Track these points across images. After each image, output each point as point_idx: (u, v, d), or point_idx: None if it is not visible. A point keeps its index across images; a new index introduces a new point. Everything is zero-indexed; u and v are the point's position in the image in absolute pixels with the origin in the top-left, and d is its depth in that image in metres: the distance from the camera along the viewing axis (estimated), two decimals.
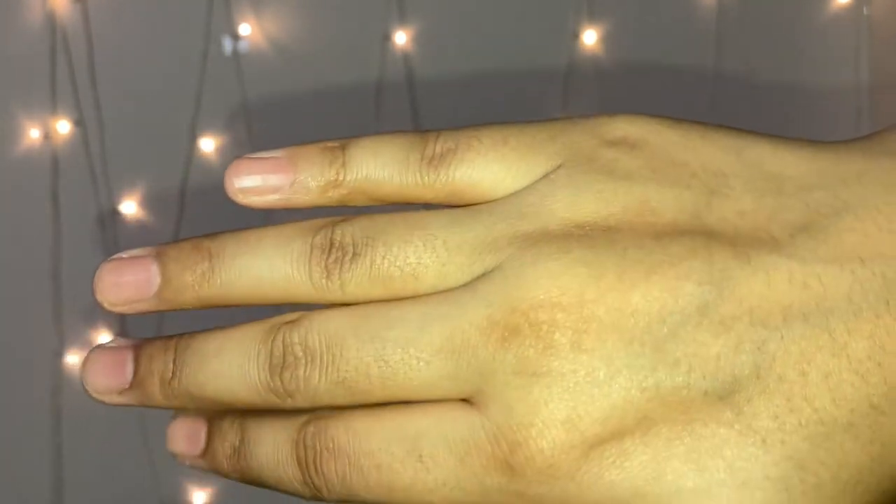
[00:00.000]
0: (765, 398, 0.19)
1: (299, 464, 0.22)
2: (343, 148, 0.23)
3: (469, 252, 0.21)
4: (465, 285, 0.20)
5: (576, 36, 1.13)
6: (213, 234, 0.23)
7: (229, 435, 0.23)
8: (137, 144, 1.08)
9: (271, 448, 0.22)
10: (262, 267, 0.23)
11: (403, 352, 0.20)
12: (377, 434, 0.21)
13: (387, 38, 1.09)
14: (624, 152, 0.21)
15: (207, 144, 1.08)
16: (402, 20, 1.09)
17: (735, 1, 1.17)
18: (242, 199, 0.23)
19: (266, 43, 1.08)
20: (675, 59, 1.19)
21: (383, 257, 0.21)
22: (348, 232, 0.22)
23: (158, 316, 1.09)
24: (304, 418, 0.22)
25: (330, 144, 0.23)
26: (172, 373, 0.24)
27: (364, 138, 0.23)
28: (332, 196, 0.23)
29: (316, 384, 0.21)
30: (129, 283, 0.24)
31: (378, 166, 0.22)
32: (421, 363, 0.20)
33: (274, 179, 0.24)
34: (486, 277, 0.20)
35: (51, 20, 1.04)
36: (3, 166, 1.05)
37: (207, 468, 0.24)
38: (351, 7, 1.10)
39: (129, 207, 1.08)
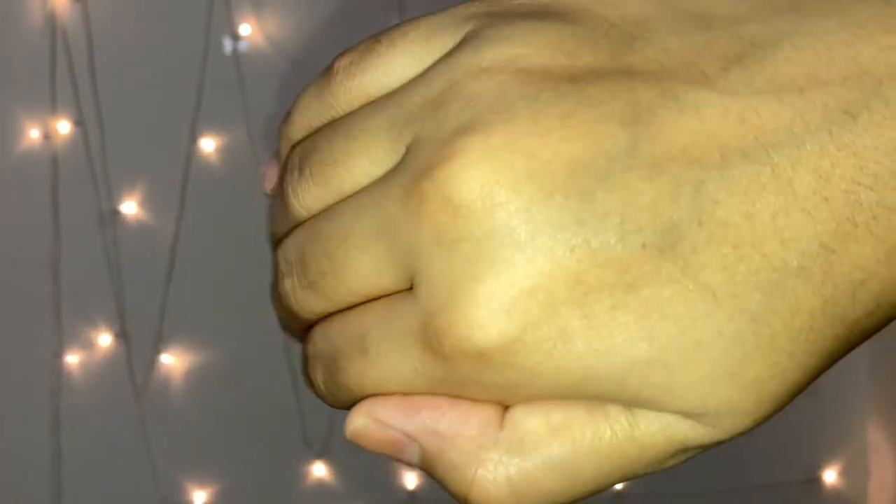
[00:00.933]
0: (710, 247, 0.17)
1: (303, 375, 0.22)
2: (281, 127, 0.24)
3: (388, 132, 0.19)
4: (389, 171, 0.19)
5: None
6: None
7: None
8: (137, 144, 1.08)
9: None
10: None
11: (341, 243, 0.20)
12: (337, 336, 0.20)
13: None
14: (535, 14, 0.19)
15: (207, 144, 1.08)
16: (402, 20, 1.09)
17: None
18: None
19: (266, 43, 1.08)
20: None
21: (318, 163, 0.21)
22: (296, 152, 0.22)
23: (159, 313, 1.09)
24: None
25: (280, 128, 0.24)
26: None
27: (293, 106, 0.23)
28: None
29: (297, 293, 0.21)
30: None
31: (304, 120, 0.23)
32: (360, 251, 0.19)
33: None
34: (405, 154, 0.19)
35: (51, 21, 1.04)
36: (3, 166, 1.05)
37: None
38: (351, 7, 1.10)
39: (129, 207, 1.08)
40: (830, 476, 1.21)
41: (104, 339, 1.10)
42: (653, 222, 0.17)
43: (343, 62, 0.22)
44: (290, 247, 0.22)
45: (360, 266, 0.20)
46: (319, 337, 0.21)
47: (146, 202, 1.09)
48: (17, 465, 1.11)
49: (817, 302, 0.18)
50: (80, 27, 1.04)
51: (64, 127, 1.05)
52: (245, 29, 1.08)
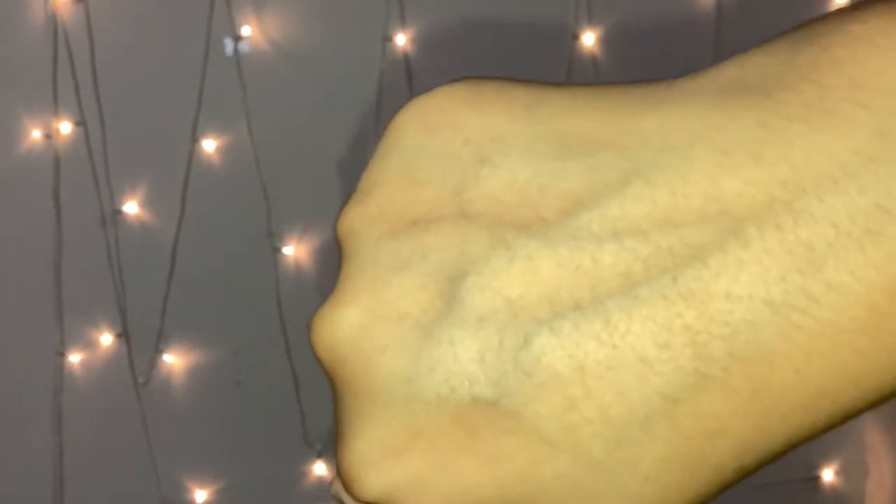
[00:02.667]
0: (542, 399, 0.17)
1: None
2: None
3: None
4: None
5: (575, 37, 1.14)
6: None
7: None
8: (139, 145, 1.08)
9: None
10: None
11: None
12: None
13: (387, 39, 1.09)
14: (409, 123, 0.19)
15: (209, 145, 1.08)
16: (403, 21, 1.10)
17: (734, 2, 1.17)
18: None
19: (267, 44, 1.09)
20: (674, 60, 1.19)
21: None
22: None
23: (160, 313, 1.10)
24: None
25: None
26: None
27: None
28: None
29: None
30: None
31: None
32: None
33: None
34: None
35: (52, 21, 1.04)
36: (5, 167, 1.06)
37: None
38: (352, 8, 1.10)
39: (131, 208, 1.09)
40: (828, 475, 1.22)
41: (106, 339, 1.10)
42: (481, 376, 0.17)
43: None
44: None
45: None
46: None
47: (148, 202, 1.09)
48: (19, 463, 1.11)
49: (665, 452, 0.17)
50: (82, 28, 1.05)
51: (66, 127, 1.05)
52: (246, 30, 1.08)
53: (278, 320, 1.11)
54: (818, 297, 0.16)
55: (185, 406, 1.13)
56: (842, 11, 0.17)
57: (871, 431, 1.22)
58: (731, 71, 0.18)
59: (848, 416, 0.17)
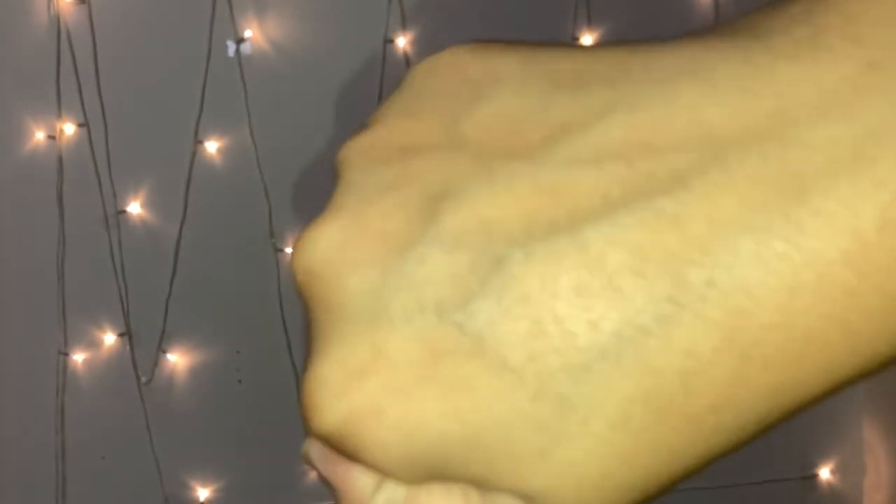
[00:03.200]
0: (509, 323, 0.16)
1: None
2: None
3: None
4: None
5: (575, 39, 1.14)
6: None
7: None
8: (142, 146, 1.08)
9: None
10: None
11: None
12: None
13: (389, 41, 1.10)
14: (419, 71, 0.19)
15: (211, 146, 1.09)
16: (404, 23, 1.10)
17: (732, 4, 1.18)
18: None
19: (269, 46, 1.09)
20: None
21: None
22: None
23: (163, 312, 1.10)
24: None
25: None
26: None
27: None
28: None
29: None
30: None
31: None
32: None
33: None
34: None
35: (56, 23, 1.04)
36: (8, 168, 1.06)
37: None
38: (353, 10, 1.10)
39: (134, 208, 1.09)
40: (826, 473, 1.22)
41: (109, 338, 1.11)
42: (451, 297, 0.16)
43: None
44: None
45: None
46: None
47: (150, 203, 1.09)
48: (22, 462, 1.12)
49: (633, 390, 0.16)
50: (85, 29, 1.05)
51: (69, 128, 1.06)
52: (248, 32, 1.08)
53: (280, 320, 1.11)
54: (803, 225, 0.15)
55: (187, 405, 1.13)
56: None
57: (868, 429, 1.22)
58: (723, 27, 0.18)
59: (839, 379, 0.16)
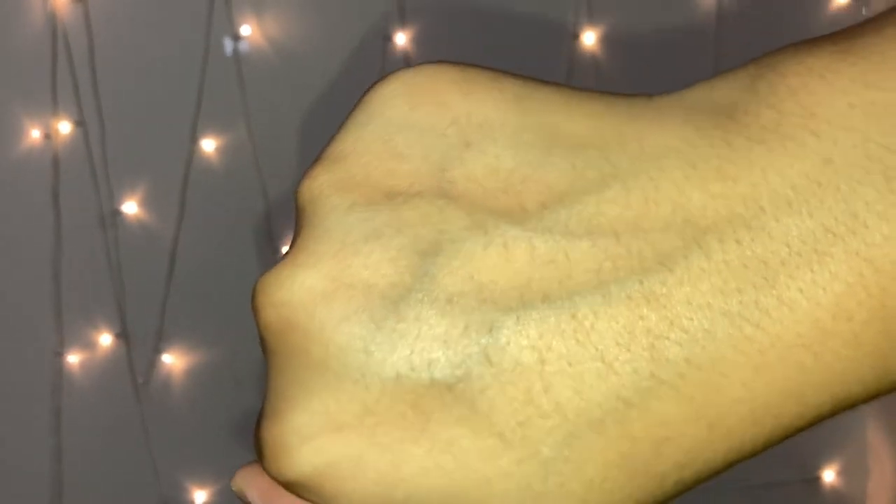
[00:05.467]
0: (499, 388, 0.17)
1: None
2: None
3: None
4: None
5: (575, 37, 1.14)
6: None
7: None
8: (138, 145, 1.08)
9: None
10: None
11: None
12: None
13: (387, 38, 1.09)
14: (392, 95, 0.19)
15: (208, 145, 1.08)
16: (403, 21, 1.09)
17: (735, 1, 1.17)
18: None
19: (267, 44, 1.09)
20: (675, 59, 1.19)
21: None
22: None
23: (159, 313, 1.10)
24: None
25: None
26: None
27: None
28: None
29: None
30: None
31: None
32: None
33: None
34: None
35: (52, 21, 1.04)
36: (4, 166, 1.06)
37: None
38: (351, 8, 1.10)
39: (130, 208, 1.08)
40: (829, 476, 1.22)
41: (105, 339, 1.10)
42: (442, 359, 0.17)
43: None
44: None
45: None
46: None
47: (147, 202, 1.09)
48: (17, 464, 1.11)
49: (612, 455, 0.17)
50: (81, 27, 1.04)
51: (65, 127, 1.05)
52: (246, 30, 1.08)
53: None
54: (770, 312, 0.17)
55: (184, 406, 1.13)
56: (797, 44, 0.19)
57: (872, 432, 1.22)
58: (701, 92, 0.19)
59: (786, 435, 0.18)
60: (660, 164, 0.18)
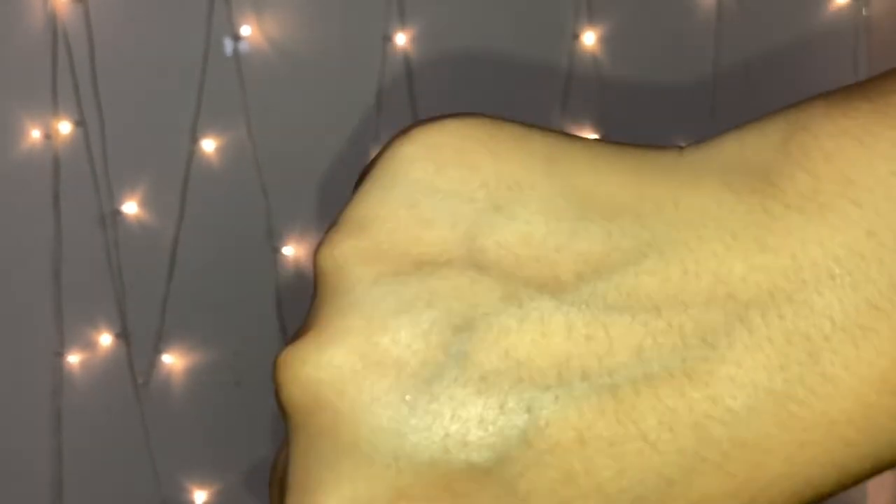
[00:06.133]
0: (539, 470, 0.16)
1: None
2: None
3: None
4: None
5: (575, 37, 1.14)
6: None
7: None
8: (138, 145, 1.08)
9: None
10: None
11: None
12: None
13: (387, 38, 1.09)
14: (416, 156, 0.18)
15: (208, 145, 1.08)
16: (403, 21, 1.09)
17: (735, 1, 1.17)
18: None
19: (267, 44, 1.09)
20: (675, 59, 1.19)
21: None
22: None
23: (160, 313, 1.09)
24: None
25: None
26: None
27: None
28: None
29: None
30: None
31: None
32: None
33: None
34: None
35: (52, 21, 1.04)
36: (4, 166, 1.06)
37: None
38: (351, 8, 1.10)
39: (130, 208, 1.08)
40: None
41: (105, 339, 1.10)
42: (479, 440, 0.16)
43: None
44: None
45: None
46: None
47: (147, 202, 1.09)
48: (17, 464, 1.11)
49: None
50: (81, 27, 1.05)
51: (65, 127, 1.05)
52: (246, 30, 1.08)
53: (277, 320, 1.11)
54: (815, 389, 0.16)
55: (184, 407, 1.13)
56: (829, 99, 0.18)
57: None
58: (732, 147, 0.18)
59: (822, 499, 0.18)
60: (698, 234, 0.17)
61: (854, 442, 0.17)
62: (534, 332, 0.17)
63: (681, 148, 0.18)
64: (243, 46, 1.08)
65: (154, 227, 1.09)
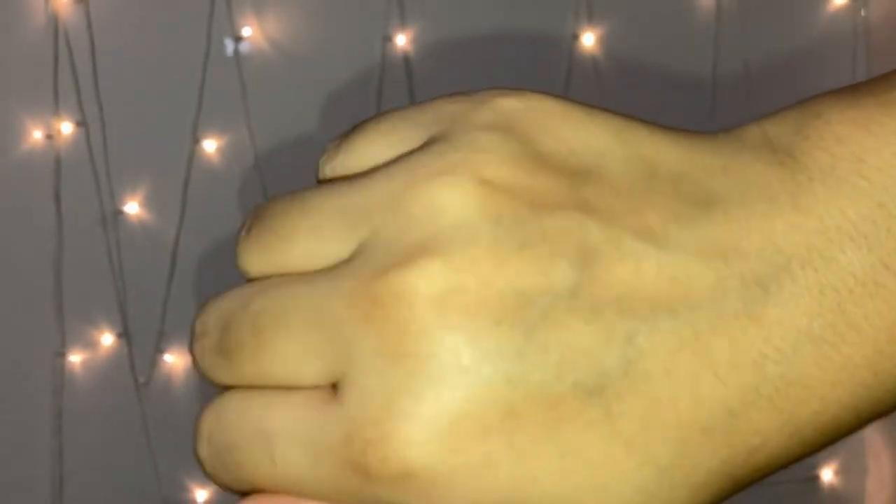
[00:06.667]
0: (632, 397, 0.18)
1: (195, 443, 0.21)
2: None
3: (342, 219, 0.19)
4: (342, 260, 0.19)
5: (575, 37, 1.14)
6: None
7: None
8: (140, 145, 1.08)
9: None
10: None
11: (273, 322, 0.20)
12: (236, 426, 0.20)
13: (387, 39, 1.09)
14: (501, 128, 0.20)
15: (209, 145, 1.09)
16: (403, 21, 1.10)
17: (734, 2, 1.17)
18: None
19: (267, 44, 1.09)
20: (674, 59, 1.19)
21: (266, 229, 0.22)
22: (255, 208, 0.23)
23: (161, 313, 1.10)
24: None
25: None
26: None
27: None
28: None
29: (207, 358, 0.22)
30: None
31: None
32: (289, 336, 0.19)
33: None
34: (358, 250, 0.19)
35: (53, 21, 1.04)
36: (5, 167, 1.06)
37: None
38: (352, 8, 1.10)
39: (132, 208, 1.09)
40: (828, 475, 1.22)
41: (106, 339, 1.10)
42: (586, 365, 0.18)
43: (329, 144, 0.22)
44: (213, 308, 0.22)
45: (284, 351, 0.19)
46: (212, 419, 0.21)
47: (148, 202, 1.09)
48: (18, 463, 1.11)
49: (715, 461, 0.19)
50: (83, 28, 1.05)
51: (66, 128, 1.06)
52: (246, 30, 1.08)
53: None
54: (843, 335, 0.19)
55: (185, 406, 1.13)
56: (838, 94, 0.21)
57: (870, 431, 1.22)
58: (756, 133, 0.21)
59: (831, 443, 0.20)
60: (745, 195, 0.20)
61: (870, 385, 0.19)
62: (631, 271, 0.19)
63: (714, 133, 0.21)
64: (244, 47, 1.08)
65: (155, 227, 1.09)
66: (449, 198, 0.19)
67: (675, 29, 1.19)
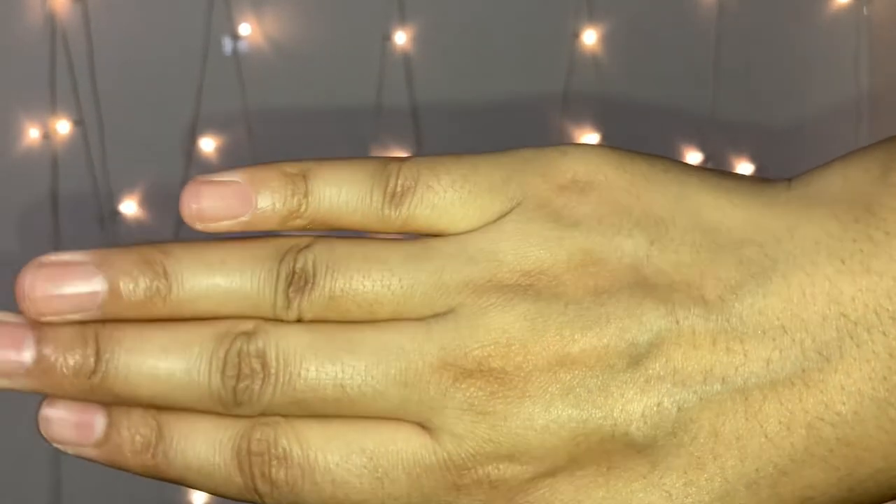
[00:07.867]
0: (677, 455, 0.20)
1: (241, 469, 0.22)
2: (305, 177, 0.23)
3: (422, 293, 0.22)
4: (420, 322, 0.22)
5: (576, 36, 1.13)
6: (164, 246, 0.24)
7: (141, 428, 0.23)
8: (137, 144, 1.08)
9: (206, 449, 0.22)
10: (222, 288, 0.23)
11: (361, 380, 0.21)
12: (334, 449, 0.22)
13: (387, 38, 1.09)
14: (572, 198, 0.22)
15: (207, 144, 1.08)
16: (402, 20, 1.09)
17: (735, 1, 1.17)
18: (200, 226, 0.24)
19: (266, 43, 1.08)
20: (675, 59, 1.19)
21: (342, 290, 0.22)
22: (310, 260, 0.22)
23: None
24: (246, 422, 0.22)
25: (290, 170, 0.23)
26: (94, 368, 0.22)
27: (325, 166, 0.23)
28: (293, 225, 0.23)
29: (269, 399, 0.22)
30: (68, 296, 0.23)
31: (340, 200, 0.23)
32: (376, 392, 0.21)
33: (234, 206, 0.24)
34: (440, 319, 0.21)
35: (51, 20, 1.04)
36: (2, 166, 1.05)
37: (102, 460, 0.23)
38: (351, 7, 1.10)
39: (129, 207, 1.08)
40: None
41: None
42: (639, 428, 0.21)
43: (405, 182, 0.22)
44: (274, 348, 0.22)
45: (369, 403, 0.21)
46: (291, 441, 0.22)
47: (146, 202, 1.09)
48: (16, 465, 1.11)
49: None
50: (80, 26, 1.04)
51: (63, 126, 1.05)
52: (245, 29, 1.08)
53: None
54: None
55: None
56: None
57: None
58: (836, 181, 0.21)
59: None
60: (812, 260, 0.20)
61: None
62: (687, 343, 0.20)
63: (788, 181, 0.22)
64: (242, 46, 1.08)
65: (153, 227, 1.09)
66: (518, 288, 0.22)
67: (676, 28, 1.18)
